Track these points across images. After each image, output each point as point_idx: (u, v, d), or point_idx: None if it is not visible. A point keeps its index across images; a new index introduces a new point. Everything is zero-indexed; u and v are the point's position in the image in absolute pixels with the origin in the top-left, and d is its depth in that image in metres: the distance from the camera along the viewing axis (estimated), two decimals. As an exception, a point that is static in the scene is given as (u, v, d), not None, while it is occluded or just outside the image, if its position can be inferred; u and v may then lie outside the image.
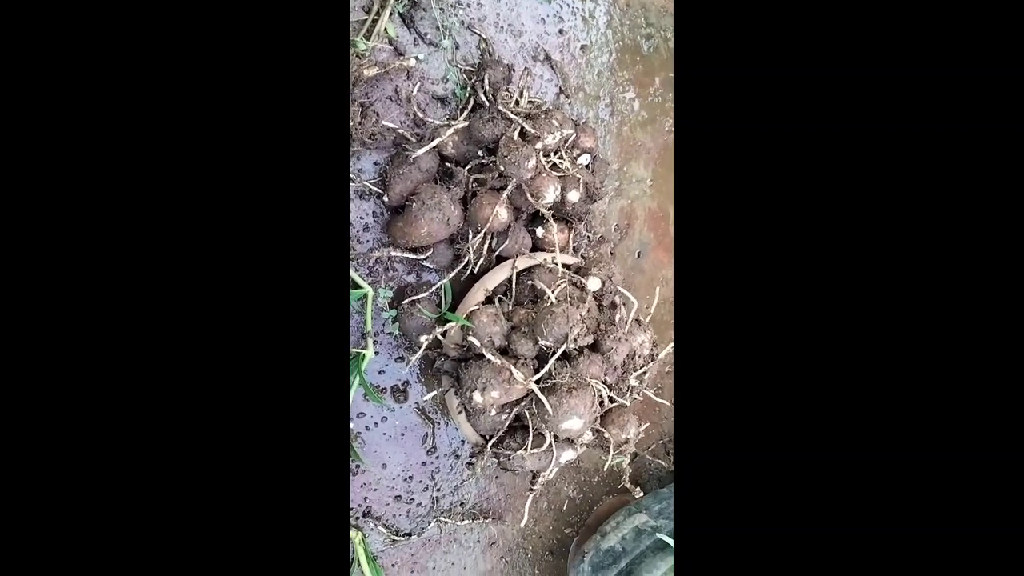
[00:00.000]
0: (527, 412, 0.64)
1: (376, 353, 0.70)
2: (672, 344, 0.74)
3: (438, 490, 0.78)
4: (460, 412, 0.68)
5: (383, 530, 0.74)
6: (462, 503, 0.80)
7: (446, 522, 0.78)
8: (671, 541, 0.67)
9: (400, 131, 0.67)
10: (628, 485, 0.72)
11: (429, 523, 0.77)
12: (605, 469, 0.90)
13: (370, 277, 0.69)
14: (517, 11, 0.76)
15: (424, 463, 0.76)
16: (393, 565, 0.76)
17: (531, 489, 0.72)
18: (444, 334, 0.65)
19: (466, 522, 0.80)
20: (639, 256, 0.91)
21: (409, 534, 0.76)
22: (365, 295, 0.68)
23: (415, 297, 0.68)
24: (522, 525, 0.83)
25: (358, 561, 0.72)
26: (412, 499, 0.76)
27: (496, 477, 0.82)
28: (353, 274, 0.67)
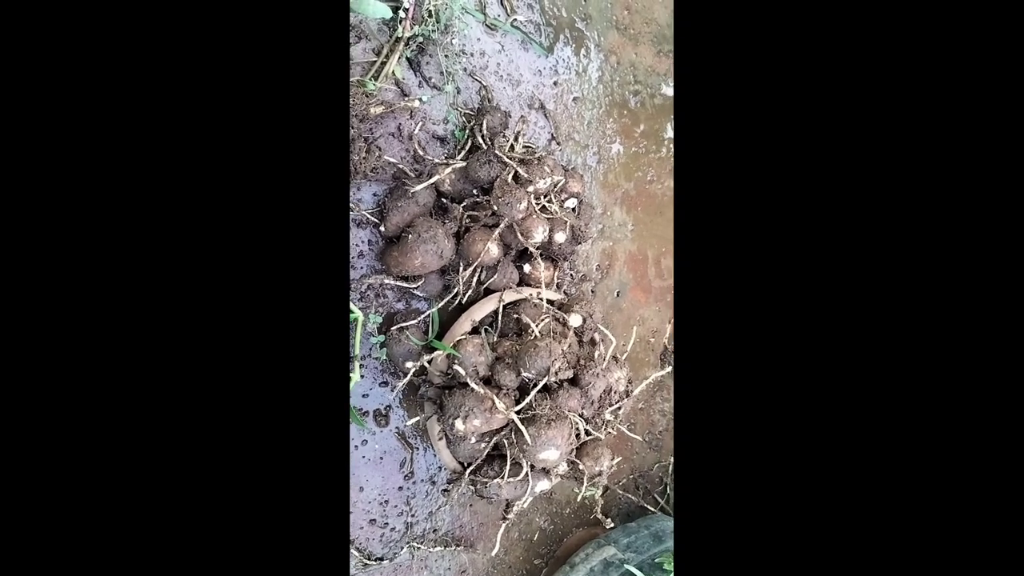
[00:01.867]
0: (506, 441, 0.66)
1: (361, 377, 0.72)
2: (645, 382, 0.77)
3: (412, 515, 0.79)
4: (441, 439, 0.70)
5: (356, 554, 0.74)
6: (435, 530, 0.81)
7: (419, 548, 0.79)
8: (639, 573, 0.69)
9: (400, 166, 0.71)
10: (599, 516, 0.74)
11: (402, 548, 0.78)
12: (578, 500, 0.92)
13: (361, 302, 0.72)
14: (516, 63, 0.81)
15: (401, 488, 0.77)
16: (363, 590, 0.76)
17: (504, 518, 0.74)
18: (430, 361, 0.68)
19: (438, 549, 0.81)
20: (618, 295, 0.96)
21: (381, 559, 0.77)
22: (355, 319, 0.70)
23: (404, 324, 0.70)
24: (493, 554, 0.84)
25: (328, 585, 0.72)
26: (387, 523, 0.77)
27: (470, 505, 0.83)
28: (345, 299, 0.69)
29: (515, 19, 0.80)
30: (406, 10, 0.68)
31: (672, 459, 1.04)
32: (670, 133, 0.99)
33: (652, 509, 0.98)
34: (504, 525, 0.76)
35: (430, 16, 0.71)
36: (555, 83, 0.85)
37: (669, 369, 0.75)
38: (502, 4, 0.80)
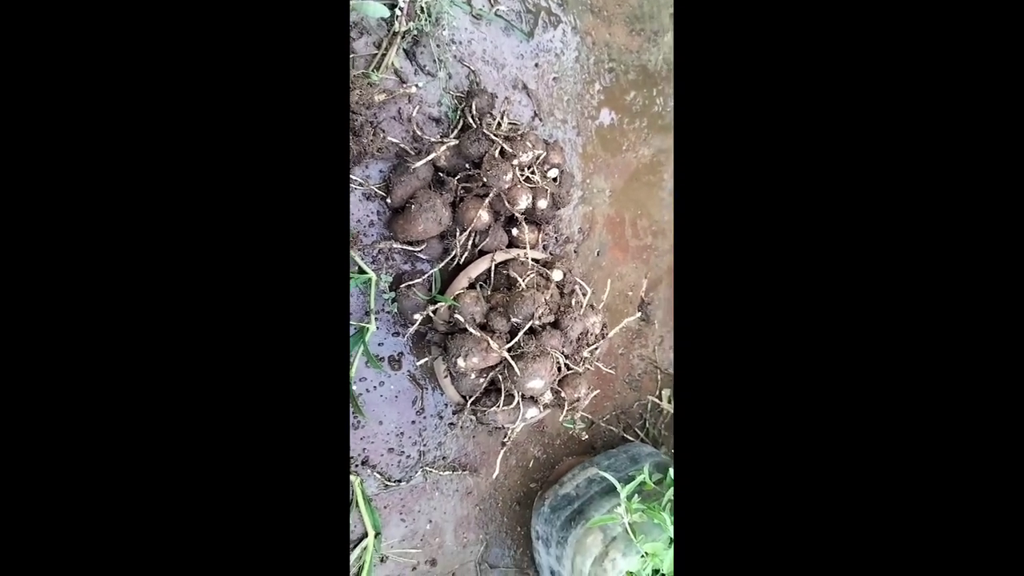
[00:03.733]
0: (500, 376, 0.79)
1: (377, 328, 0.85)
2: (619, 326, 0.90)
3: (424, 445, 0.93)
4: (446, 376, 0.83)
5: (378, 477, 0.89)
6: (444, 457, 0.95)
7: (431, 472, 0.93)
8: (616, 483, 0.83)
9: (402, 145, 0.82)
10: (576, 431, 0.88)
11: (416, 473, 0.92)
12: (568, 433, 1.06)
13: (374, 265, 0.84)
14: (501, 48, 0.91)
15: (413, 422, 0.91)
16: (385, 507, 0.90)
17: (503, 444, 0.88)
18: (435, 312, 0.80)
19: (447, 473, 0.95)
20: (598, 255, 1.07)
21: (399, 481, 0.91)
22: (369, 279, 0.82)
23: (411, 282, 0.83)
24: (494, 478, 0.99)
25: (357, 502, 0.87)
26: (403, 452, 0.91)
27: (473, 437, 0.98)
28: (360, 262, 0.81)
29: (498, 9, 0.90)
30: (401, 8, 0.78)
31: (650, 398, 1.18)
32: (642, 105, 1.09)
33: (632, 440, 1.12)
34: (503, 452, 0.89)
35: (422, 11, 0.81)
36: (536, 65, 0.95)
37: (638, 315, 0.87)
38: (486, -5, 0.89)
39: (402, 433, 0.90)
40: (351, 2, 0.76)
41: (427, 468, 0.93)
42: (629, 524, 0.79)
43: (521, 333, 0.76)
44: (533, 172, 0.84)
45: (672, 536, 0.76)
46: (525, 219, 0.85)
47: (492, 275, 0.84)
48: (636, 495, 0.83)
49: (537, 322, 0.76)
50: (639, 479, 0.82)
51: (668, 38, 1.10)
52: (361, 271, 0.82)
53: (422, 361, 0.87)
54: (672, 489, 0.79)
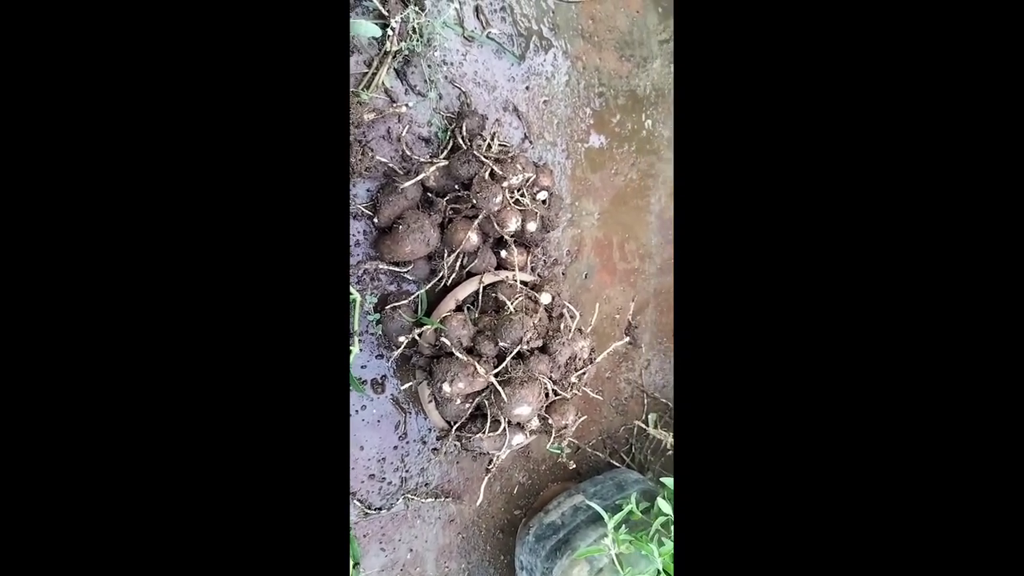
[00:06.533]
0: (486, 402, 0.78)
1: (360, 350, 0.83)
2: (607, 351, 0.89)
3: (407, 471, 0.90)
4: (430, 401, 0.81)
5: (358, 504, 0.86)
6: (426, 484, 0.92)
7: (412, 499, 0.90)
8: (603, 512, 0.81)
9: (391, 165, 0.81)
10: (562, 457, 0.86)
11: (397, 500, 0.89)
12: (553, 459, 1.04)
13: (358, 285, 0.82)
14: (492, 70, 0.91)
15: (396, 447, 0.88)
16: (365, 536, 0.87)
17: (487, 471, 0.86)
18: (420, 335, 0.78)
19: (429, 500, 0.92)
20: (586, 277, 1.07)
21: (380, 509, 0.88)
22: (354, 300, 0.80)
23: (396, 304, 0.81)
24: (477, 505, 0.96)
25: (334, 531, 0.84)
26: (384, 478, 0.88)
27: (457, 462, 0.95)
28: (345, 282, 0.80)
29: (490, 31, 0.90)
30: (393, 28, 0.78)
31: (636, 422, 1.16)
32: (631, 129, 1.10)
33: (618, 465, 1.11)
34: (487, 478, 0.87)
35: (414, 32, 0.81)
36: (527, 88, 0.95)
37: (627, 340, 0.87)
38: (478, 18, 0.89)
39: (383, 459, 0.87)
40: (342, 21, 0.75)
41: (409, 495, 0.90)
42: (616, 555, 0.77)
43: (509, 358, 0.75)
44: (523, 194, 0.84)
45: (659, 568, 0.74)
46: (514, 241, 0.84)
47: (480, 298, 0.83)
48: (623, 525, 0.81)
49: (525, 347, 0.75)
50: (626, 509, 0.80)
51: (657, 64, 1.11)
52: (345, 291, 0.80)
53: (406, 385, 0.85)
54: (659, 520, 0.78)
